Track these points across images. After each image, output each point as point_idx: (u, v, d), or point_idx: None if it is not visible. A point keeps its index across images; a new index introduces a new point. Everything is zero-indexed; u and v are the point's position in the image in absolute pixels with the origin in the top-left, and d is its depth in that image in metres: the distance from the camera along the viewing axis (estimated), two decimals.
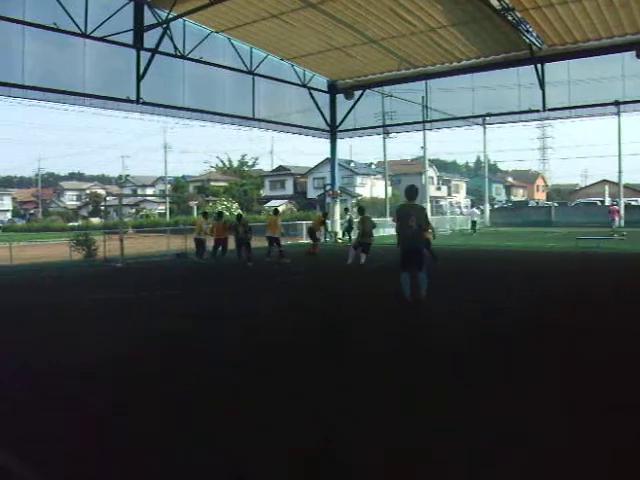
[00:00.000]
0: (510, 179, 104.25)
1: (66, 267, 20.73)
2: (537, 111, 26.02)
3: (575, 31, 22.58)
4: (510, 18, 21.19)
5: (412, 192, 10.58)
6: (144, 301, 12.62)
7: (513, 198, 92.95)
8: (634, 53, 22.50)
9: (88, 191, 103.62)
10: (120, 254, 21.09)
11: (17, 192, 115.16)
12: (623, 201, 47.34)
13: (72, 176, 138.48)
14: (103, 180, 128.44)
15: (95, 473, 4.23)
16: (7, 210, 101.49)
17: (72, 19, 19.51)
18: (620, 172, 48.27)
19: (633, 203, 57.23)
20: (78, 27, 19.79)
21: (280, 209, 59.44)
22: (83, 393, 6.09)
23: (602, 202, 59.81)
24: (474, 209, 46.97)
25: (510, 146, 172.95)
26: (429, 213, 48.67)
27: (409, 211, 10.31)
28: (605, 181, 69.25)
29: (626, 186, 55.32)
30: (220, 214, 23.38)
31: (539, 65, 25.02)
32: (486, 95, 27.04)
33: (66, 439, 4.83)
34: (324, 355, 7.56)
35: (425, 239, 18.27)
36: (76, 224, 70.89)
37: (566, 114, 26.72)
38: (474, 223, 40.75)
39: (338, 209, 33.68)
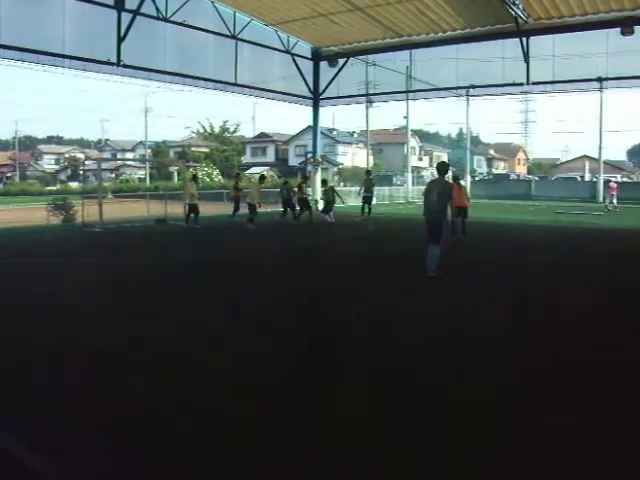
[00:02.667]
0: (492, 152, 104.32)
1: (43, 231, 20.52)
2: (521, 84, 25.90)
3: (561, 5, 22.45)
4: None
5: (441, 168, 11.18)
6: (121, 264, 12.55)
7: (494, 171, 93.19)
8: (619, 30, 22.47)
9: (67, 155, 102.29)
10: (99, 219, 20.96)
11: None
12: (603, 177, 47.59)
13: (50, 139, 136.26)
14: (82, 144, 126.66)
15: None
16: None
17: None
18: (601, 148, 48.47)
19: (613, 179, 57.58)
20: None
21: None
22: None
23: (582, 177, 60.21)
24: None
25: (493, 119, 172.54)
26: (409, 183, 49.34)
27: (432, 187, 10.87)
28: (585, 157, 69.66)
29: (606, 162, 55.57)
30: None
31: (524, 38, 24.84)
32: (470, 67, 26.89)
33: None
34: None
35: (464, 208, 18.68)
36: (54, 188, 70.05)
37: (549, 88, 26.85)
38: None
39: (319, 177, 33.48)
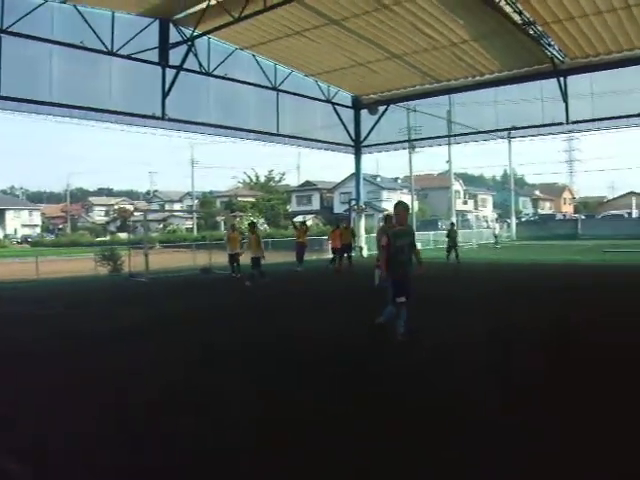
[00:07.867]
0: (537, 192, 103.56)
1: (88, 281, 21.02)
2: (560, 124, 25.89)
3: (597, 43, 22.51)
4: (531, 32, 21.25)
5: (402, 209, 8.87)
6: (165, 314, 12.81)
7: (540, 211, 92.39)
8: None
9: (116, 206, 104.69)
10: (145, 269, 21.32)
11: (46, 207, 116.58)
12: None
13: (101, 191, 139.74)
14: (131, 195, 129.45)
15: None
16: (36, 225, 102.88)
17: (99, 38, 20.09)
18: None
19: None
20: (105, 45, 20.32)
21: (308, 223, 59.73)
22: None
23: (629, 214, 59.34)
24: (495, 223, 48.75)
25: (537, 159, 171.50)
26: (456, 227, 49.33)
27: (402, 236, 8.75)
28: (632, 193, 68.69)
29: None
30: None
31: (562, 78, 24.95)
32: (510, 109, 26.97)
33: None
34: None
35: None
36: (104, 239, 71.59)
37: (590, 127, 26.63)
38: (495, 237, 42.68)
39: (363, 224, 33.79)
